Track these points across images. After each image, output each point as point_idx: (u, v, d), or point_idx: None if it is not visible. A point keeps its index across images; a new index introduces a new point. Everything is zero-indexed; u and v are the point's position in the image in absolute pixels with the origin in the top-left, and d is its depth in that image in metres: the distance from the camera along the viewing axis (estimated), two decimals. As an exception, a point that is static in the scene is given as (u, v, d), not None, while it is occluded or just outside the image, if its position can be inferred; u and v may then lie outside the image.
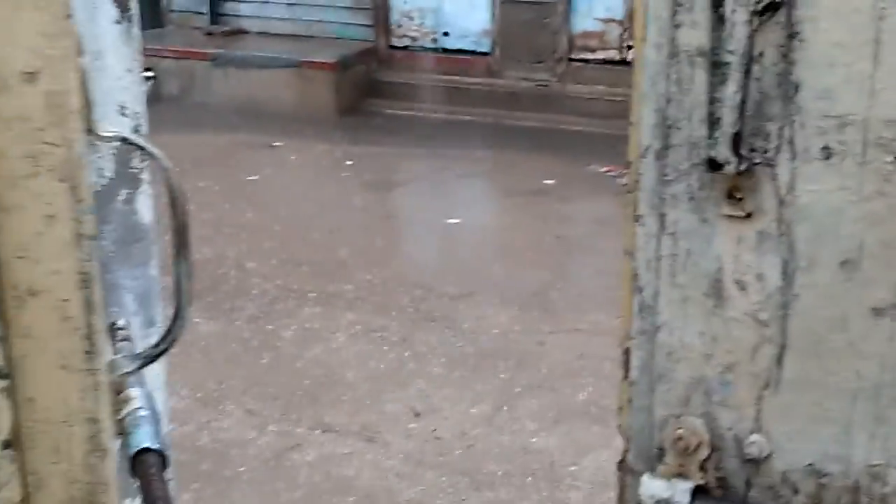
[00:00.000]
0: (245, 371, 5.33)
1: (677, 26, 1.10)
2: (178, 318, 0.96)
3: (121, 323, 1.42)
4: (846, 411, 1.08)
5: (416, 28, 9.81)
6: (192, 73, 9.57)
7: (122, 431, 1.14)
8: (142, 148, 0.90)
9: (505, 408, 5.03)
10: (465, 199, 7.92)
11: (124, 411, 1.16)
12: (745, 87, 1.03)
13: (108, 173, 2.01)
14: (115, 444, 0.91)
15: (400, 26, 9.87)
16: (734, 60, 1.03)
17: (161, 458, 1.10)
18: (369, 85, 9.69)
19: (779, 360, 1.10)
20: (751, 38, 1.03)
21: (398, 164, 8.51)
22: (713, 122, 1.04)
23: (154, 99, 9.48)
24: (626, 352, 1.20)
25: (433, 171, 8.32)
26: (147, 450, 1.08)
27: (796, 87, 1.05)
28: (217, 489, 4.45)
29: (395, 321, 5.76)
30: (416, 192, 7.98)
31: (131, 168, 2.03)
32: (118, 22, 1.99)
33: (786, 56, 1.05)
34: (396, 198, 7.94)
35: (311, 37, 9.95)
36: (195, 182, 7.81)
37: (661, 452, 1.18)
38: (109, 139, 0.87)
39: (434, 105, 9.43)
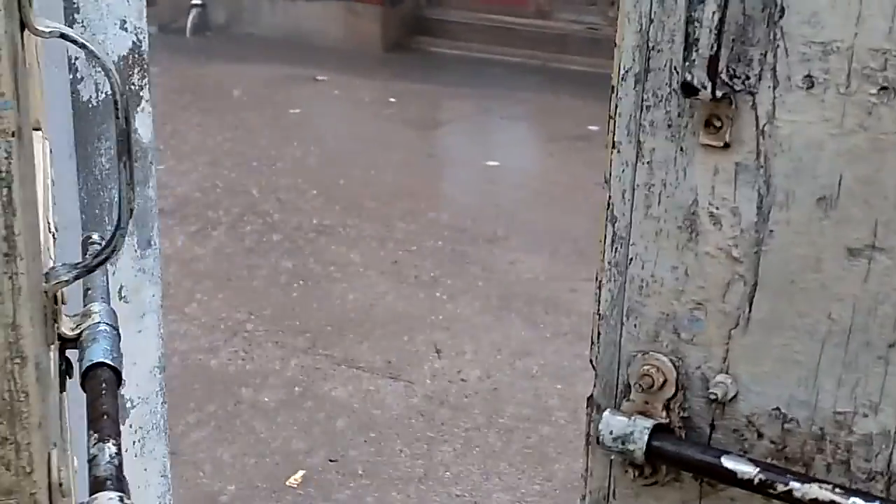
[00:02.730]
0: (275, 303, 5.37)
1: (661, -56, 1.05)
2: (119, 227, 0.94)
3: (95, 237, 1.41)
4: (814, 355, 1.05)
5: (468, -36, 9.70)
6: (240, 2, 9.56)
7: (80, 346, 1.13)
8: (82, 45, 0.87)
9: (532, 353, 5.03)
10: (506, 142, 7.86)
11: (83, 326, 1.15)
12: (724, 8, 0.98)
13: (106, 89, 2.00)
14: (42, 353, 0.89)
15: (452, -38, 9.77)
16: (714, -21, 0.98)
17: (114, 373, 1.08)
18: (417, 22, 9.61)
19: (750, 298, 1.06)
20: (733, -45, 0.98)
21: (442, 103, 8.46)
22: (690, 44, 1.00)
23: (202, 28, 9.48)
24: (599, 284, 1.17)
25: (476, 112, 8.26)
26: (99, 364, 1.07)
27: (781, 11, 1.00)
28: (241, 419, 4.50)
29: (428, 261, 5.76)
30: (458, 133, 7.94)
31: (131, 85, 2.02)
32: (123, -67, 1.97)
33: (772, -22, 1.00)
34: (438, 137, 7.90)
35: (362, -29, 9.91)
36: (238, 113, 7.83)
37: (628, 389, 1.15)
38: (46, 34, 0.84)
39: (481, 45, 9.34)
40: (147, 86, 2.04)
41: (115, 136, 0.91)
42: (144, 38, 1.98)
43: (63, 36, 0.86)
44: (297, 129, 7.64)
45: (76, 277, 0.94)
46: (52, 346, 1.05)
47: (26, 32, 0.86)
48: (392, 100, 8.36)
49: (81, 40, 0.87)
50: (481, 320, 5.29)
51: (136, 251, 2.05)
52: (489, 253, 5.87)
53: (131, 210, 0.95)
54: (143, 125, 2.05)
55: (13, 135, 0.77)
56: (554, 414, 4.59)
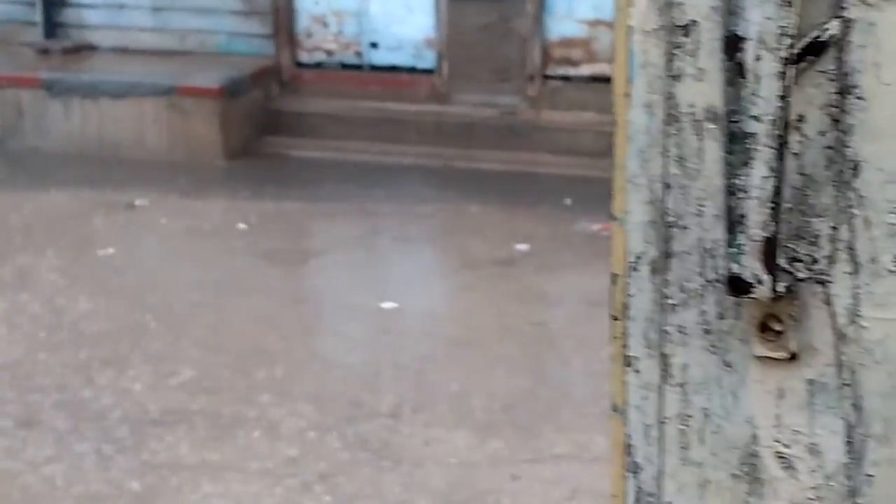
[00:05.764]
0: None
1: (676, 77, 1.03)
2: None
3: None
4: None
5: (332, 38, 9.87)
6: (19, 105, 9.60)
7: None
8: None
9: (467, 573, 4.96)
10: (405, 274, 7.91)
11: None
12: (780, 171, 0.97)
13: None
14: None
15: (310, 36, 9.93)
16: (762, 130, 0.96)
17: None
18: (269, 117, 9.73)
19: (847, 573, 1.03)
20: (785, 96, 0.96)
21: (311, 227, 8.51)
22: (735, 221, 0.98)
23: (-32, 144, 9.41)
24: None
25: (360, 236, 8.32)
26: None
27: (855, 167, 0.99)
28: None
29: (313, 454, 5.67)
30: (337, 266, 7.96)
31: None
32: None
33: (837, 121, 0.99)
34: (309, 275, 7.92)
35: (188, 52, 10.03)
36: (24, 260, 7.71)
37: None
38: None
39: (359, 142, 9.47)
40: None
41: None
42: None
43: None
44: (111, 278, 7.55)
45: None
46: None
47: None
48: (242, 226, 8.36)
49: None
50: (392, 531, 5.22)
51: None
52: (395, 434, 5.81)
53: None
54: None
55: None
56: None
